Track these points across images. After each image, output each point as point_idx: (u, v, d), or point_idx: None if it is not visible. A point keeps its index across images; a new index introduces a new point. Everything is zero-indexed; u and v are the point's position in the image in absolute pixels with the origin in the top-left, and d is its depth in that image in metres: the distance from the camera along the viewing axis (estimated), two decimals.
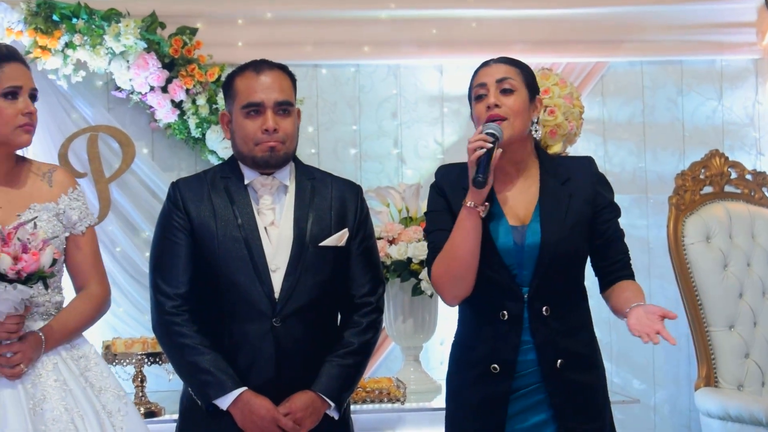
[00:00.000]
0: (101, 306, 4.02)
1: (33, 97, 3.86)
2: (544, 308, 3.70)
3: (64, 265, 4.02)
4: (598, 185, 3.82)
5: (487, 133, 3.60)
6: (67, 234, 3.98)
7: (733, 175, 6.15)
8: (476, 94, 3.74)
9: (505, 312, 3.72)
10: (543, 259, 3.72)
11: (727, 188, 6.13)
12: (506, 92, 3.70)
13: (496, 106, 3.65)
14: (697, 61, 6.57)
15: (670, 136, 6.60)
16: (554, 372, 3.70)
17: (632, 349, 6.31)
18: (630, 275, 3.81)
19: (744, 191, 6.16)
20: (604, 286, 3.87)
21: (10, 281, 3.59)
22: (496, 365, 3.74)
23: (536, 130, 3.84)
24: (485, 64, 3.82)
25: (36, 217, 3.89)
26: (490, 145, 3.57)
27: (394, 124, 6.48)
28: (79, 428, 3.74)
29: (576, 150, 5.58)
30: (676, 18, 6.45)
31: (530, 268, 3.71)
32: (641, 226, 6.41)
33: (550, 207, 3.75)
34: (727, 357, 5.77)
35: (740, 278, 5.76)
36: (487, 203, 3.69)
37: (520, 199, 3.82)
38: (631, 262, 3.84)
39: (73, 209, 4.02)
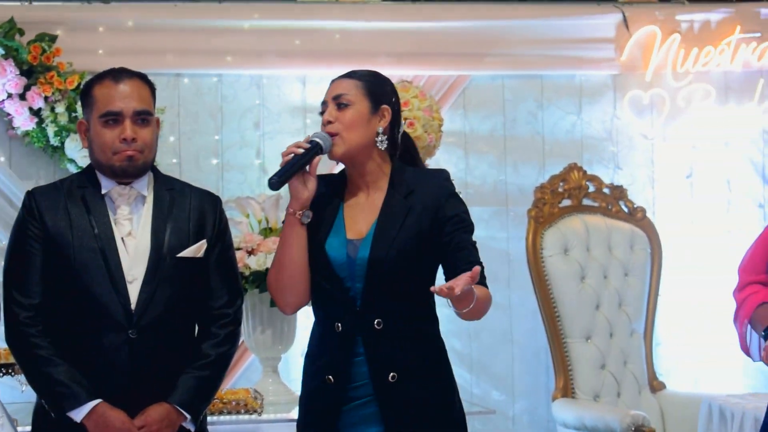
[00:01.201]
0: None
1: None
2: (376, 321, 3.72)
3: None
4: (443, 198, 3.77)
5: (310, 141, 3.69)
6: None
7: (591, 189, 6.29)
8: (321, 110, 3.82)
9: (339, 324, 3.76)
10: (372, 274, 3.73)
11: (585, 201, 6.27)
12: (342, 107, 3.75)
13: (329, 122, 3.73)
14: (557, 75, 6.75)
15: (531, 149, 6.72)
16: (386, 385, 3.72)
17: (491, 359, 6.37)
18: (484, 284, 3.69)
19: (601, 205, 6.30)
20: None
21: None
22: (330, 377, 3.78)
23: (382, 141, 3.80)
24: (333, 81, 3.90)
25: None
26: (301, 151, 3.64)
27: (257, 135, 6.52)
28: None
29: (437, 162, 5.65)
30: (537, 33, 6.60)
31: (362, 282, 3.75)
32: (501, 239, 6.50)
33: (386, 222, 3.77)
34: (583, 368, 5.89)
35: (597, 290, 5.88)
36: (310, 211, 3.74)
37: (364, 212, 3.83)
38: (482, 273, 3.62)
39: None
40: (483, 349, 6.25)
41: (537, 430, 6.52)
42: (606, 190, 6.39)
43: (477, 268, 3.37)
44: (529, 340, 6.57)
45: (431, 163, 5.51)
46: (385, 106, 3.74)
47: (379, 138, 3.71)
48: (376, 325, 3.64)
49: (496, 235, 6.46)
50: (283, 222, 3.87)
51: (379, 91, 3.78)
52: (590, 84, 6.86)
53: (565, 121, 6.80)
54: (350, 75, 3.84)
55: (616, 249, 6.04)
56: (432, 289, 3.44)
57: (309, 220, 3.71)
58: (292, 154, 3.63)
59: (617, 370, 5.99)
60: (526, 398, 6.50)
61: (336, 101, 3.70)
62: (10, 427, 3.95)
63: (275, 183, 3.63)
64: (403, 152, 3.89)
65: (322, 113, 3.78)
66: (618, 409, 5.79)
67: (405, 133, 3.98)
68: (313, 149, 3.63)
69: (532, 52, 6.74)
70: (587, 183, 6.34)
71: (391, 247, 3.65)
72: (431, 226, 3.66)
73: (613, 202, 6.37)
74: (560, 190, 6.20)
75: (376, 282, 3.65)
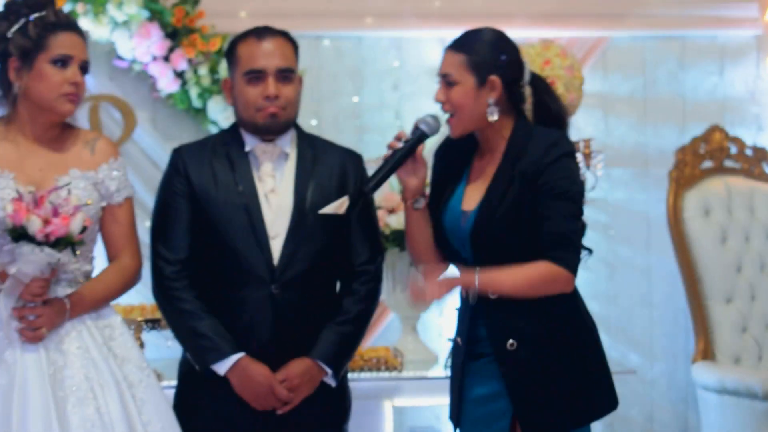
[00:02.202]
0: (131, 278, 4.02)
1: (84, 69, 3.83)
2: (489, 291, 3.79)
3: (99, 234, 4.01)
4: (543, 165, 3.69)
5: (414, 130, 3.69)
6: (104, 204, 3.94)
7: (733, 150, 6.23)
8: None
9: (464, 290, 3.85)
10: (475, 246, 3.75)
11: (727, 163, 6.23)
12: (449, 85, 3.69)
13: (442, 102, 3.72)
14: (699, 36, 6.61)
15: (671, 111, 6.63)
16: (505, 351, 3.74)
17: (629, 322, 6.37)
18: (556, 257, 3.67)
19: (744, 166, 6.24)
20: None
21: (38, 243, 3.59)
22: (458, 338, 3.87)
23: (491, 113, 3.72)
24: (444, 50, 3.84)
25: (70, 183, 3.83)
26: (401, 145, 3.64)
27: (396, 97, 6.50)
28: (98, 397, 3.72)
29: (577, 123, 5.36)
30: None
31: (470, 253, 3.81)
32: (641, 200, 6.48)
33: (492, 192, 3.74)
34: (724, 331, 5.85)
35: (739, 253, 5.83)
36: (422, 197, 3.77)
37: (480, 182, 3.82)
38: (564, 244, 3.68)
39: (112, 179, 3.98)
40: (621, 311, 6.26)
41: (676, 393, 6.50)
42: (748, 152, 6.33)
43: (453, 278, 3.59)
44: (667, 303, 6.55)
45: (572, 123, 5.32)
46: (493, 77, 3.64)
47: (489, 110, 3.66)
48: (490, 295, 3.68)
49: (635, 197, 6.46)
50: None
51: (484, 61, 3.69)
52: (732, 44, 6.73)
53: (706, 82, 6.70)
54: (453, 46, 3.78)
55: (758, 211, 6.00)
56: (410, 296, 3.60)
57: (421, 206, 3.74)
58: (391, 152, 3.71)
59: (759, 334, 5.95)
60: (665, 361, 6.49)
61: (444, 79, 3.70)
62: (156, 386, 3.93)
63: (369, 191, 3.78)
64: (537, 104, 3.84)
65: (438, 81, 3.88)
66: (760, 372, 5.77)
67: (538, 79, 3.91)
68: (416, 140, 3.65)
69: (673, 13, 6.65)
70: (729, 144, 6.26)
71: (491, 219, 3.65)
72: (532, 194, 3.65)
73: (756, 163, 6.32)
74: (701, 151, 6.15)
75: (482, 253, 3.68)
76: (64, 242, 3.58)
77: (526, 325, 3.65)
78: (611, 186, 6.03)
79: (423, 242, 3.83)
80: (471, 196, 3.76)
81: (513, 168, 3.65)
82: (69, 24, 3.78)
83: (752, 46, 6.61)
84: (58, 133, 3.88)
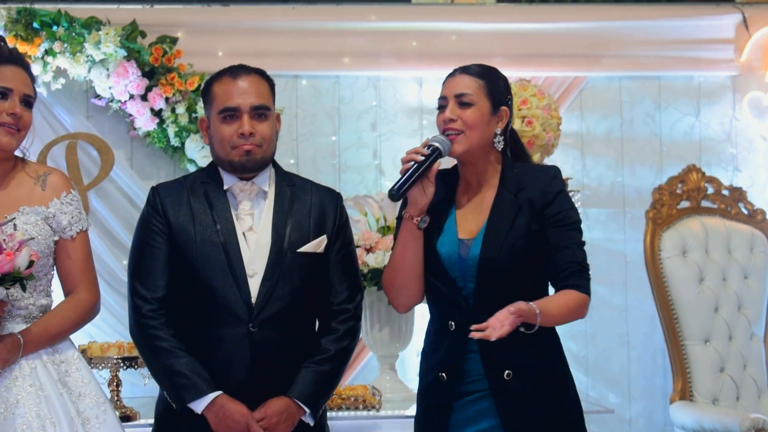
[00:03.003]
0: (88, 312, 4.03)
1: (27, 103, 3.85)
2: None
3: (54, 268, 4.02)
4: (551, 195, 3.83)
5: (429, 146, 3.68)
6: (56, 238, 3.97)
7: (710, 191, 6.22)
8: (439, 104, 3.80)
9: (452, 323, 3.79)
10: (483, 274, 3.76)
11: (704, 203, 6.22)
12: (464, 106, 3.73)
13: (452, 120, 3.71)
14: (675, 76, 6.67)
15: (648, 150, 6.64)
16: (501, 382, 3.76)
17: (608, 362, 6.36)
18: (579, 285, 3.76)
19: (720, 206, 6.22)
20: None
21: None
22: (443, 374, 3.81)
23: (499, 142, 3.84)
24: (452, 73, 3.86)
25: (15, 218, 3.85)
26: (422, 158, 3.64)
27: (374, 136, 6.52)
28: None
29: (554, 163, 5.38)
30: (655, 33, 6.56)
31: (474, 282, 3.77)
32: (618, 240, 6.50)
33: (496, 221, 3.80)
34: (702, 371, 5.84)
35: (716, 292, 5.82)
36: (427, 216, 3.76)
37: (475, 212, 3.87)
38: (582, 273, 3.77)
39: (64, 213, 4.01)
40: (599, 351, 6.26)
41: None
42: (725, 192, 6.31)
43: (518, 305, 3.44)
44: (645, 343, 6.56)
45: (548, 163, 5.42)
46: (504, 108, 3.75)
47: (497, 139, 3.74)
48: (521, 329, 3.64)
49: (612, 237, 6.49)
50: (396, 222, 3.93)
51: (499, 91, 3.79)
52: (709, 85, 6.75)
53: (683, 123, 6.71)
54: (470, 71, 3.80)
55: (735, 251, 5.98)
56: (472, 335, 3.49)
57: (426, 225, 3.73)
58: (412, 162, 3.64)
59: (736, 374, 5.92)
60: (643, 401, 6.47)
61: (458, 99, 3.68)
62: (114, 420, 4.00)
63: (396, 195, 3.65)
64: (513, 146, 3.90)
65: (440, 108, 3.77)
66: (737, 412, 5.75)
67: (511, 128, 4.00)
68: (433, 155, 3.64)
69: (650, 53, 6.67)
70: (706, 185, 6.27)
71: (503, 246, 3.67)
72: (540, 224, 3.71)
73: (733, 203, 6.29)
74: (678, 191, 6.15)
75: (487, 281, 3.68)
76: (10, 278, 3.59)
77: (519, 357, 3.68)
78: (589, 226, 5.86)
79: (415, 267, 3.83)
80: (465, 226, 3.80)
81: (515, 197, 3.73)
82: (11, 58, 3.80)
83: (728, 87, 6.64)
84: (9, 169, 3.90)
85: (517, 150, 3.94)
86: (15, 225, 3.80)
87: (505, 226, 3.73)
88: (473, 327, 3.48)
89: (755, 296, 6.02)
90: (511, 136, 3.92)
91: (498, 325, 3.40)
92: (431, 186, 3.69)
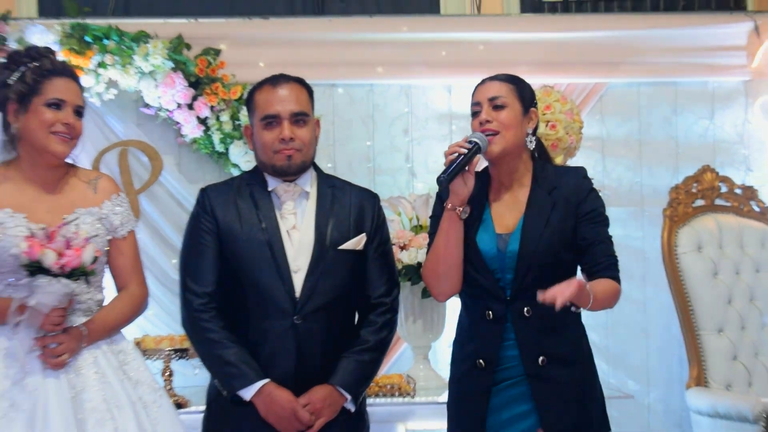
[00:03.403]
0: (139, 306, 4.14)
1: (78, 113, 3.94)
2: (525, 309, 3.82)
3: (106, 266, 4.13)
4: (584, 193, 3.93)
5: (469, 141, 3.77)
6: (109, 237, 4.06)
7: (724, 189, 6.30)
8: (473, 111, 3.87)
9: (490, 312, 3.86)
10: (521, 267, 3.84)
11: (718, 201, 6.28)
12: (498, 108, 3.81)
13: (488, 121, 3.80)
14: (690, 82, 6.82)
15: (665, 152, 6.82)
16: (536, 368, 3.85)
17: (627, 351, 6.43)
18: (615, 277, 3.88)
19: (733, 204, 6.31)
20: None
21: (55, 275, 3.71)
22: (481, 360, 3.88)
23: (531, 141, 3.94)
24: (482, 82, 3.95)
25: (78, 217, 3.98)
26: (465, 151, 3.72)
27: (406, 141, 6.65)
28: (115, 418, 3.83)
29: (576, 164, 5.30)
30: (671, 41, 6.71)
31: (512, 274, 3.85)
32: (637, 237, 6.55)
33: (533, 217, 3.88)
34: (716, 359, 5.89)
35: (729, 285, 5.90)
36: (468, 206, 3.84)
37: (510, 208, 3.97)
38: (616, 265, 3.91)
39: (115, 214, 4.09)
40: (619, 341, 6.33)
41: (671, 417, 6.50)
42: (738, 191, 6.43)
43: (577, 281, 3.51)
44: (663, 333, 6.58)
45: (570, 164, 5.47)
46: (533, 109, 3.88)
47: (529, 138, 3.86)
48: (525, 313, 3.77)
49: (632, 234, 6.51)
50: (431, 221, 4.05)
51: (528, 95, 3.92)
52: (722, 90, 6.87)
53: (698, 126, 6.83)
54: (500, 78, 3.95)
55: (747, 247, 6.07)
56: (539, 297, 3.55)
57: (467, 215, 3.79)
58: (456, 153, 3.72)
59: (748, 361, 5.97)
60: (661, 387, 6.50)
61: (491, 102, 3.79)
62: (169, 406, 4.13)
63: (444, 181, 3.73)
64: (538, 149, 4.03)
65: (474, 113, 3.87)
66: (750, 397, 5.72)
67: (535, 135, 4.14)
68: (474, 149, 3.71)
69: (666, 60, 6.80)
70: (720, 184, 6.36)
71: (540, 241, 3.76)
72: (574, 220, 3.80)
73: (745, 202, 6.40)
74: (694, 190, 6.21)
75: (525, 273, 3.75)
76: (78, 272, 3.76)
77: (552, 344, 3.81)
78: (609, 224, 5.84)
79: (456, 256, 3.90)
80: (501, 222, 3.91)
81: (549, 195, 3.86)
82: (64, 71, 3.95)
83: (741, 92, 6.70)
84: (62, 175, 4.02)
85: (541, 152, 4.05)
86: (78, 224, 3.95)
87: (541, 222, 3.84)
88: (539, 292, 3.56)
89: (767, 289, 6.07)
90: (537, 139, 4.06)
91: (560, 293, 3.49)
92: (471, 178, 3.76)
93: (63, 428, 3.77)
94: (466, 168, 3.77)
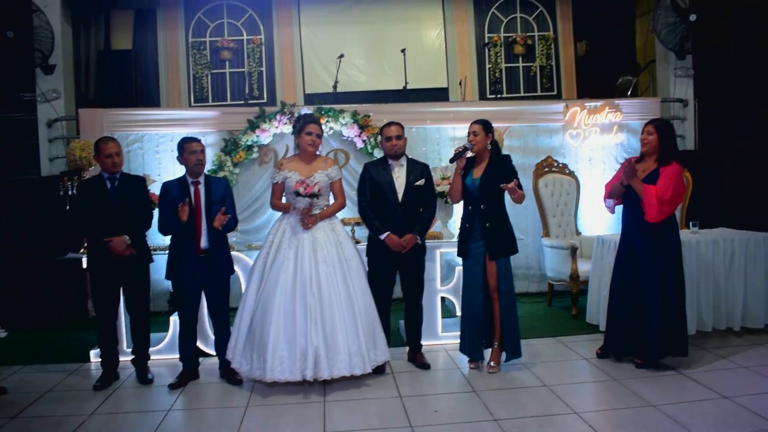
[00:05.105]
0: (341, 207, 7.27)
1: (319, 136, 6.93)
2: (481, 205, 6.91)
3: (330, 192, 7.08)
4: (506, 165, 6.94)
5: (464, 146, 6.85)
6: (330, 182, 7.11)
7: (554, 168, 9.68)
8: (468, 133, 6.98)
9: (470, 207, 7.08)
10: (480, 191, 6.86)
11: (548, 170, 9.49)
12: (476, 134, 7.05)
13: (474, 136, 6.92)
14: (542, 126, 10.83)
15: (531, 153, 10.69)
16: (485, 228, 7.02)
17: None
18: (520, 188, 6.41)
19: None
20: None
21: (305, 196, 6.84)
22: (467, 224, 7.17)
23: (488, 146, 6.84)
24: (471, 123, 7.07)
25: (314, 175, 6.97)
26: (461, 149, 6.82)
27: (437, 147, 10.86)
28: (329, 249, 6.90)
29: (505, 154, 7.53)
30: (535, 109, 10.65)
31: (476, 193, 6.85)
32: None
33: (488, 172, 6.94)
34: None
35: None
36: (463, 170, 6.85)
37: (479, 170, 7.01)
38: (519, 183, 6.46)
39: (333, 173, 7.19)
40: None
41: None
42: (555, 167, 9.96)
43: (515, 181, 6.28)
44: None
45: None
46: (490, 134, 7.03)
47: (487, 145, 7.04)
48: (481, 207, 6.98)
49: None
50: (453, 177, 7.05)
51: (488, 129, 7.08)
52: (553, 127, 10.78)
53: (546, 142, 10.81)
54: (477, 121, 7.10)
55: None
56: (503, 186, 6.35)
57: (463, 173, 6.97)
58: (457, 149, 6.89)
59: None
60: None
61: (473, 132, 7.07)
62: (360, 260, 7.01)
63: (452, 159, 7.08)
64: (495, 148, 7.05)
65: (468, 134, 7.11)
66: None
67: (494, 141, 7.17)
68: (465, 150, 7.02)
69: (531, 116, 10.92)
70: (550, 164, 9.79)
71: (489, 181, 6.88)
72: (501, 176, 6.88)
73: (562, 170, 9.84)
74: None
75: (482, 193, 6.94)
76: (312, 195, 6.83)
77: (491, 218, 6.99)
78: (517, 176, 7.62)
79: (459, 188, 7.05)
80: (476, 176, 6.94)
81: (493, 165, 6.81)
82: (313, 120, 7.01)
83: (560, 129, 10.55)
84: (312, 158, 7.01)
85: (496, 148, 7.06)
86: (314, 177, 6.99)
87: (490, 174, 6.80)
88: (503, 185, 6.32)
89: None
90: (494, 144, 7.03)
91: (510, 186, 6.28)
92: (464, 160, 6.91)
93: (309, 252, 6.79)
94: (463, 155, 6.85)
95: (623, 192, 7.47)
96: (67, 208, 8.84)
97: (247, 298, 7.18)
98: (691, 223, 9.46)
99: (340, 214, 7.89)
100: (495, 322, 7.63)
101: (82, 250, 8.59)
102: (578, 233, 11.36)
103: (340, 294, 7.01)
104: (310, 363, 6.85)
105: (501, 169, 7.31)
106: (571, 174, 11.57)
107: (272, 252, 7.13)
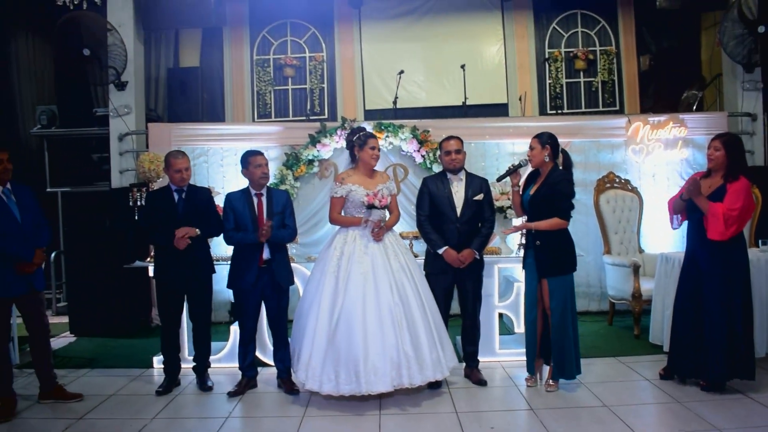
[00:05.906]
0: (396, 220, 7.33)
1: (379, 150, 6.92)
2: (534, 222, 6.92)
3: (387, 208, 7.11)
4: (558, 184, 6.78)
5: (519, 161, 6.83)
6: (390, 195, 7.16)
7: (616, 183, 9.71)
8: (530, 147, 6.87)
9: (526, 217, 7.18)
10: (530, 209, 7.04)
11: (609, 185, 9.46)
12: (533, 148, 6.95)
13: (531, 150, 6.88)
14: (604, 141, 10.74)
15: (592, 169, 10.70)
16: (536, 246, 7.06)
17: None
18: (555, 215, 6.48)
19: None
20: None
21: (378, 208, 6.99)
22: (525, 239, 7.30)
23: (546, 158, 6.74)
24: (533, 137, 6.98)
25: (381, 188, 7.17)
26: (512, 167, 6.88)
27: (496, 162, 10.95)
28: (394, 256, 7.16)
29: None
30: (596, 124, 10.63)
31: (529, 209, 7.00)
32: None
33: (541, 187, 6.86)
34: None
35: None
36: (520, 186, 6.95)
37: (537, 185, 7.08)
38: (558, 208, 6.65)
39: (392, 187, 7.27)
40: None
41: None
42: (617, 183, 9.93)
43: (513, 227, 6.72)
44: None
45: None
46: (547, 146, 6.88)
47: (545, 158, 6.87)
48: (532, 219, 7.10)
49: None
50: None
51: (545, 140, 7.00)
52: (616, 142, 10.82)
53: (608, 157, 10.83)
54: (536, 135, 7.03)
55: None
56: (503, 231, 7.03)
57: (519, 191, 6.98)
58: (511, 165, 6.97)
59: None
60: None
61: (531, 147, 7.08)
62: (418, 267, 6.97)
63: (498, 179, 7.68)
64: (565, 162, 6.95)
65: (529, 149, 7.06)
66: None
67: (564, 152, 7.00)
68: (519, 166, 7.03)
69: (593, 131, 10.82)
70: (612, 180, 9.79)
71: (541, 196, 6.95)
72: (553, 192, 6.89)
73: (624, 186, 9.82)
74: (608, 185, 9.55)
75: (532, 211, 7.07)
76: (384, 207, 7.00)
77: (542, 235, 7.07)
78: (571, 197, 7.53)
79: (518, 204, 7.16)
80: (533, 190, 6.94)
81: (548, 183, 6.80)
82: (372, 137, 7.18)
83: (623, 143, 10.33)
84: (372, 172, 7.09)
85: (567, 162, 6.91)
86: (381, 190, 7.08)
87: (540, 195, 6.92)
88: (503, 230, 6.97)
89: None
90: (564, 156, 6.88)
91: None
92: (518, 176, 7.05)
93: (384, 262, 6.93)
94: (509, 174, 7.00)
95: (684, 207, 7.35)
96: (136, 218, 9.47)
97: (318, 314, 7.18)
98: (760, 241, 9.34)
99: (398, 228, 8.07)
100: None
101: (149, 259, 8.96)
102: (641, 251, 11.17)
103: (418, 300, 7.11)
104: (404, 371, 6.96)
105: (551, 187, 7.29)
106: (634, 190, 11.39)
107: (343, 264, 7.17)
